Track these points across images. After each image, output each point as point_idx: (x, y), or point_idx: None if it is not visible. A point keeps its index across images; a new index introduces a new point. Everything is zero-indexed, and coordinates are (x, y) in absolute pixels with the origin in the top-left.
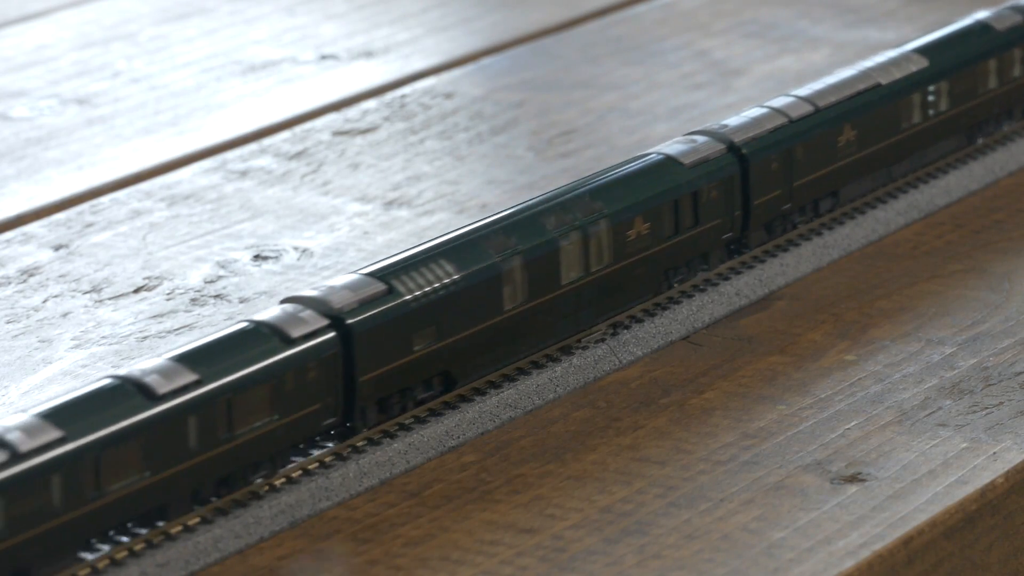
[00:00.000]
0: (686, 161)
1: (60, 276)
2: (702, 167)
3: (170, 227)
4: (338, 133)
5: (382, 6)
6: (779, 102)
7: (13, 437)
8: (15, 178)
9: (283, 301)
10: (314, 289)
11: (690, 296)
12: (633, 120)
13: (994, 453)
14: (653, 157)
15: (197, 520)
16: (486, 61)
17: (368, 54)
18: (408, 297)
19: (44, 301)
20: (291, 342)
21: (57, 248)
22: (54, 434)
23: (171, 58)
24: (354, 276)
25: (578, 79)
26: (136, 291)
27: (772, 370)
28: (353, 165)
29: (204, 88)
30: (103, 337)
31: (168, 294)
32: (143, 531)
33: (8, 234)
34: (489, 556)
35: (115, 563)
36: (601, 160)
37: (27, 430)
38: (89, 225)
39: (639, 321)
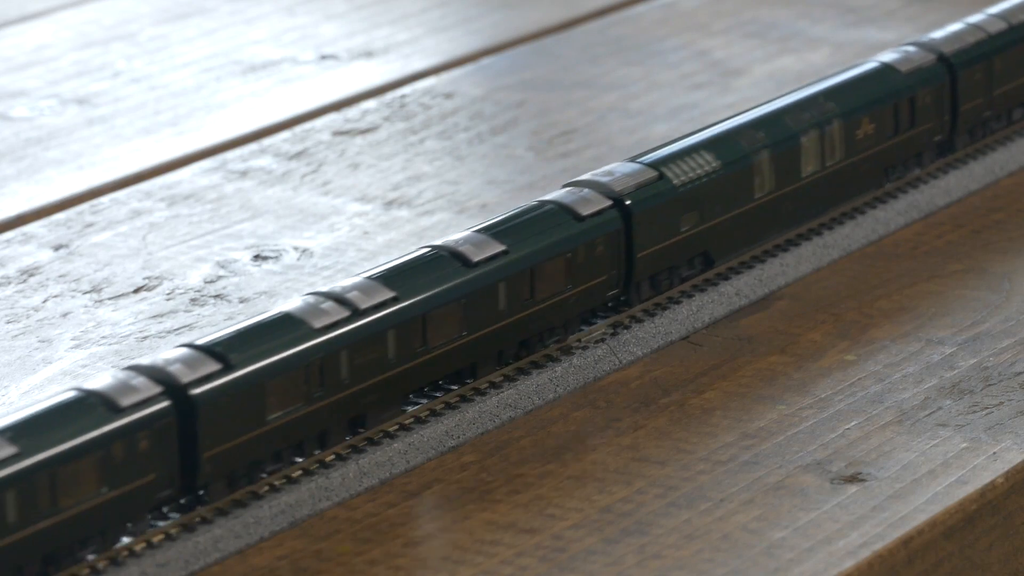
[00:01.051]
0: (903, 69)
1: (60, 276)
2: (917, 74)
3: (170, 227)
4: (338, 133)
5: (382, 6)
6: (976, 19)
7: (352, 296)
8: (15, 178)
9: (566, 185)
10: (595, 174)
11: (690, 296)
12: (633, 120)
13: (994, 453)
14: (873, 65)
15: (197, 520)
16: (486, 61)
17: (368, 54)
18: (677, 183)
19: (44, 301)
20: (581, 219)
21: (57, 248)
22: (388, 294)
23: (171, 58)
24: (630, 164)
25: (578, 79)
26: (136, 291)
27: (772, 370)
28: (353, 165)
29: (204, 88)
30: (103, 337)
31: (168, 294)
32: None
33: (8, 234)
34: (489, 556)
35: (115, 563)
36: (601, 160)
37: (364, 289)
38: (89, 225)
39: (639, 321)
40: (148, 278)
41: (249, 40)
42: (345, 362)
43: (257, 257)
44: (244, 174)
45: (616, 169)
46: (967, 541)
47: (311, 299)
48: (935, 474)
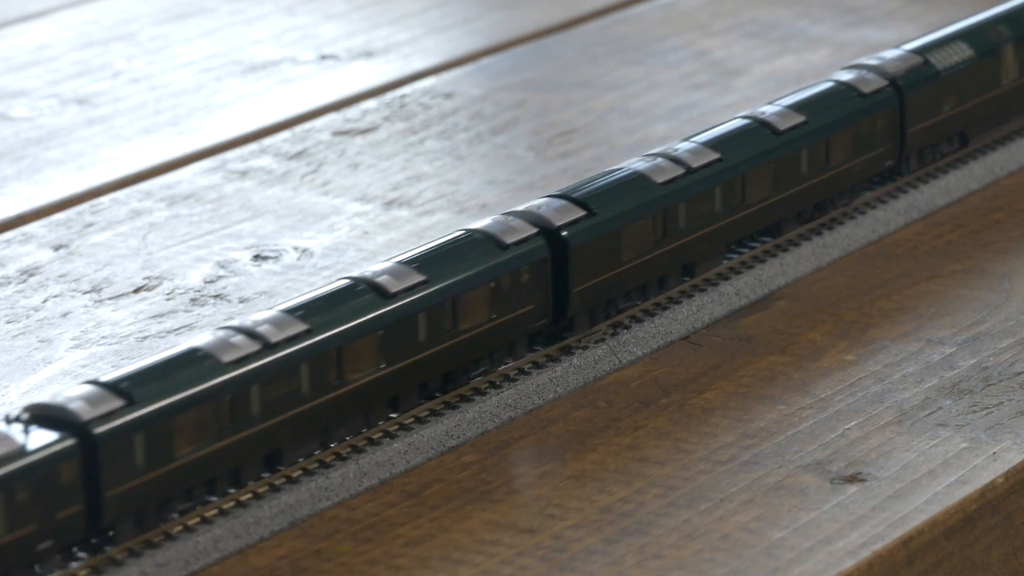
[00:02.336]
0: None
1: (60, 276)
2: None
3: (170, 227)
4: (338, 133)
5: (382, 6)
6: None
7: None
8: (15, 178)
9: (845, 67)
10: (869, 59)
11: (690, 296)
12: (633, 120)
13: (994, 453)
14: None
15: (197, 520)
16: (486, 61)
17: (368, 54)
18: (940, 68)
19: (44, 301)
20: (863, 96)
21: (57, 248)
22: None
23: (171, 58)
24: (899, 51)
25: (578, 79)
26: (136, 291)
27: (772, 370)
28: (353, 165)
29: (204, 88)
30: (103, 337)
31: (168, 294)
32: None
33: (8, 234)
34: (489, 556)
35: (115, 563)
36: (601, 160)
37: (276, 323)
38: (89, 225)
39: (639, 321)
40: (148, 278)
41: (249, 40)
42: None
43: (257, 257)
44: (244, 174)
45: (888, 54)
46: (967, 541)
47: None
48: (935, 474)
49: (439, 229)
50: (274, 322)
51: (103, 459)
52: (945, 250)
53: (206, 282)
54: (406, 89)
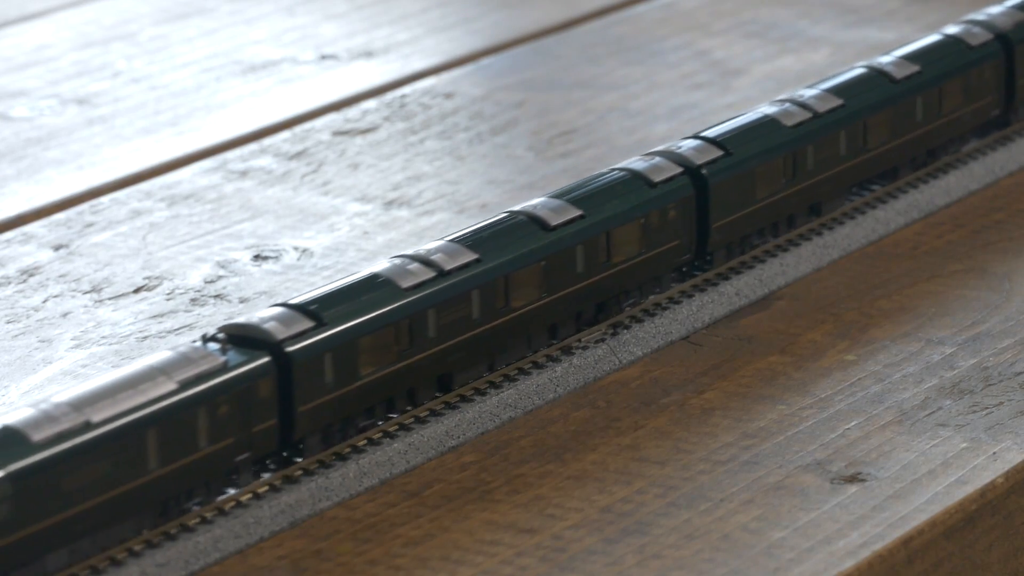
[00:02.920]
0: None
1: (60, 276)
2: None
3: (170, 227)
4: (338, 133)
5: (382, 6)
6: None
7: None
8: (15, 178)
9: (954, 23)
10: (977, 14)
11: (690, 296)
12: (633, 120)
13: (994, 453)
14: None
15: (197, 520)
16: (486, 61)
17: (368, 54)
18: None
19: (44, 301)
20: (972, 49)
21: (57, 248)
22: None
23: (171, 58)
24: (1006, 7)
25: (578, 79)
26: (136, 291)
27: (772, 370)
28: (353, 165)
29: (204, 88)
30: (103, 337)
31: (168, 294)
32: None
33: (8, 234)
34: (489, 556)
35: (115, 563)
36: (601, 160)
37: (448, 252)
38: (89, 225)
39: (639, 321)
40: (148, 278)
41: (249, 40)
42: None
43: (257, 257)
44: (244, 174)
45: (992, 9)
46: (967, 541)
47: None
48: (935, 474)
49: (439, 229)
50: (447, 251)
51: (296, 376)
52: (945, 250)
53: (206, 282)
54: (406, 89)
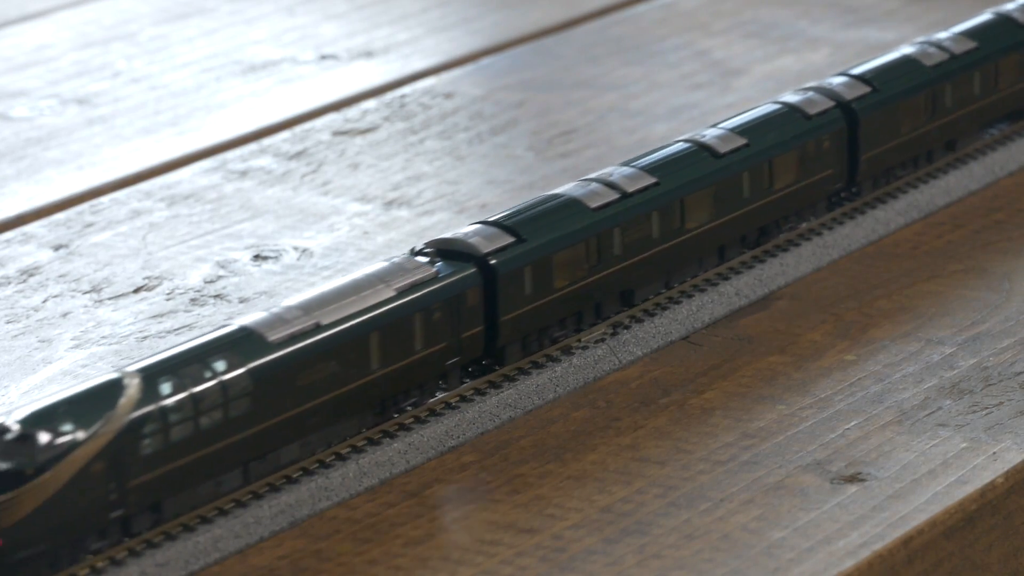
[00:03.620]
0: None
1: (60, 276)
2: None
3: (170, 227)
4: (338, 133)
5: (382, 6)
6: None
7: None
8: (15, 178)
9: None
10: None
11: (690, 296)
12: (633, 120)
13: (994, 453)
14: None
15: (197, 519)
16: (486, 61)
17: (368, 54)
18: None
19: (44, 301)
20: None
21: (57, 248)
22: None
23: (171, 58)
24: None
25: (578, 79)
26: (136, 291)
27: (772, 370)
28: (353, 165)
29: (204, 88)
30: (103, 337)
31: (168, 294)
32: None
33: (8, 234)
34: (489, 556)
35: (115, 562)
36: (601, 160)
37: (630, 176)
38: (89, 225)
39: (639, 321)
40: (148, 278)
41: (249, 40)
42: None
43: (257, 257)
44: (244, 174)
45: None
46: (967, 541)
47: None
48: (935, 474)
49: (439, 229)
50: (629, 175)
51: (500, 288)
52: (945, 250)
53: (206, 282)
54: (406, 89)
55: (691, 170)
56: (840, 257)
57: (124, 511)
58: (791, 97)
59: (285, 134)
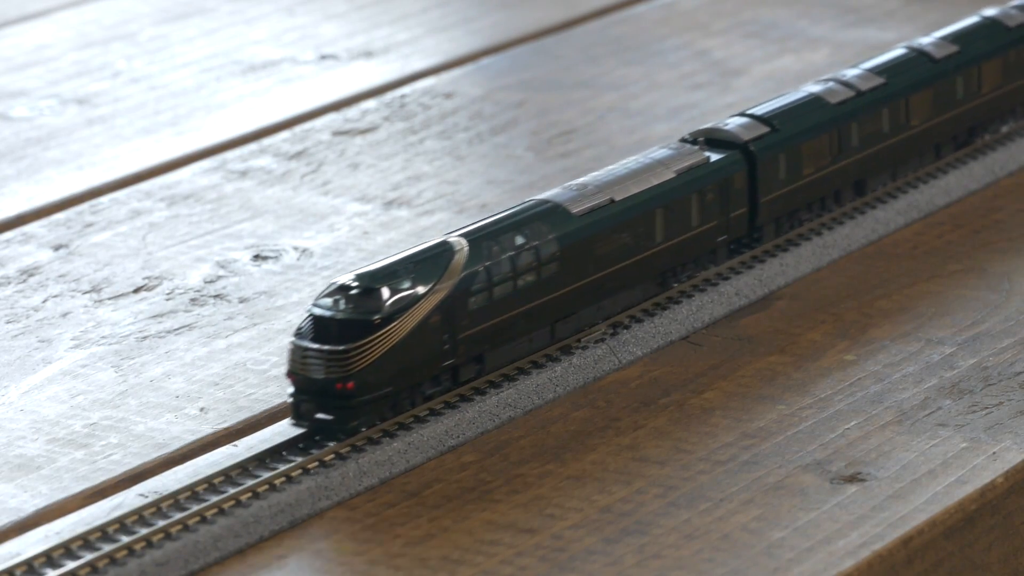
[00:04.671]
0: None
1: (60, 276)
2: None
3: (170, 227)
4: (338, 133)
5: (382, 6)
6: None
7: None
8: (15, 178)
9: None
10: None
11: (690, 296)
12: (633, 120)
13: (994, 453)
14: None
15: (196, 519)
16: (486, 61)
17: (368, 54)
18: None
19: (44, 301)
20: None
21: (57, 248)
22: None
23: (171, 58)
24: None
25: (578, 79)
26: (136, 291)
27: (772, 370)
28: (353, 165)
29: (204, 88)
30: (103, 337)
31: (168, 294)
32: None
33: (8, 234)
34: (489, 556)
35: (114, 562)
36: (601, 160)
37: (863, 77)
38: (89, 225)
39: (639, 321)
40: (148, 278)
41: (249, 40)
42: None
43: (257, 257)
44: (244, 174)
45: None
46: (967, 541)
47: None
48: (935, 474)
49: (439, 229)
50: (860, 76)
51: (760, 172)
52: (945, 250)
53: (206, 282)
54: (406, 89)
55: (913, 73)
56: (840, 257)
57: (454, 361)
58: (991, 10)
59: (285, 134)
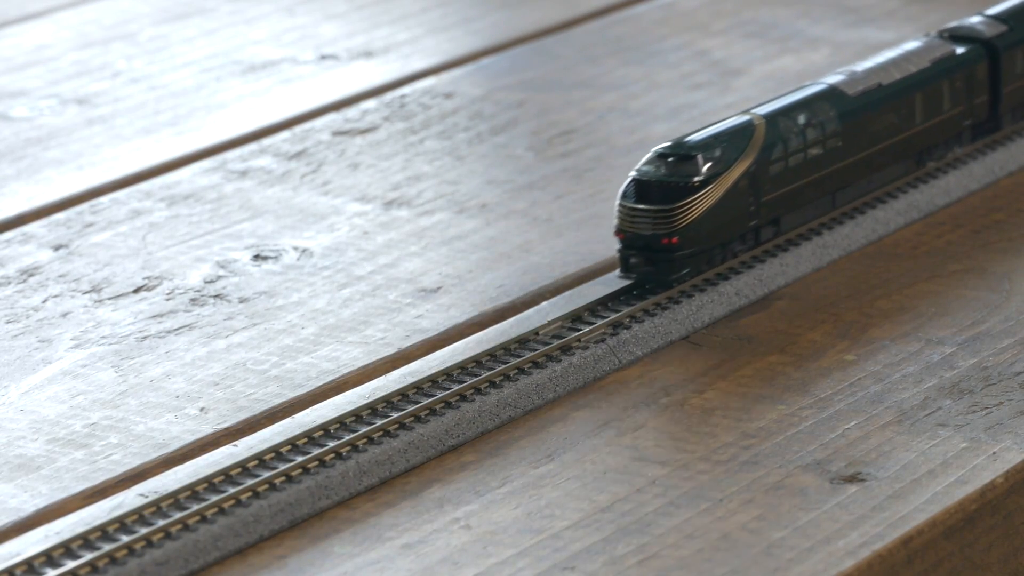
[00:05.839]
0: None
1: (60, 276)
2: None
3: (170, 227)
4: (338, 133)
5: (382, 6)
6: None
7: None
8: (15, 178)
9: None
10: None
11: (690, 296)
12: (633, 120)
13: (994, 453)
14: None
15: (196, 519)
16: (486, 61)
17: (368, 54)
18: None
19: (44, 301)
20: None
21: (57, 248)
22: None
23: (171, 58)
24: None
25: (578, 79)
26: (136, 291)
27: (772, 370)
28: (353, 165)
29: (204, 88)
30: (103, 337)
31: (168, 294)
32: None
33: (8, 234)
34: (489, 556)
35: (115, 561)
36: (601, 160)
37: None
38: (89, 225)
39: (639, 321)
40: (148, 278)
41: (249, 40)
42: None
43: (257, 257)
44: (244, 174)
45: None
46: (967, 541)
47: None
48: (935, 474)
49: (439, 229)
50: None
51: (1002, 64)
52: (945, 250)
53: (206, 282)
54: (406, 89)
55: None
56: (840, 257)
57: (756, 222)
58: None
59: (285, 134)
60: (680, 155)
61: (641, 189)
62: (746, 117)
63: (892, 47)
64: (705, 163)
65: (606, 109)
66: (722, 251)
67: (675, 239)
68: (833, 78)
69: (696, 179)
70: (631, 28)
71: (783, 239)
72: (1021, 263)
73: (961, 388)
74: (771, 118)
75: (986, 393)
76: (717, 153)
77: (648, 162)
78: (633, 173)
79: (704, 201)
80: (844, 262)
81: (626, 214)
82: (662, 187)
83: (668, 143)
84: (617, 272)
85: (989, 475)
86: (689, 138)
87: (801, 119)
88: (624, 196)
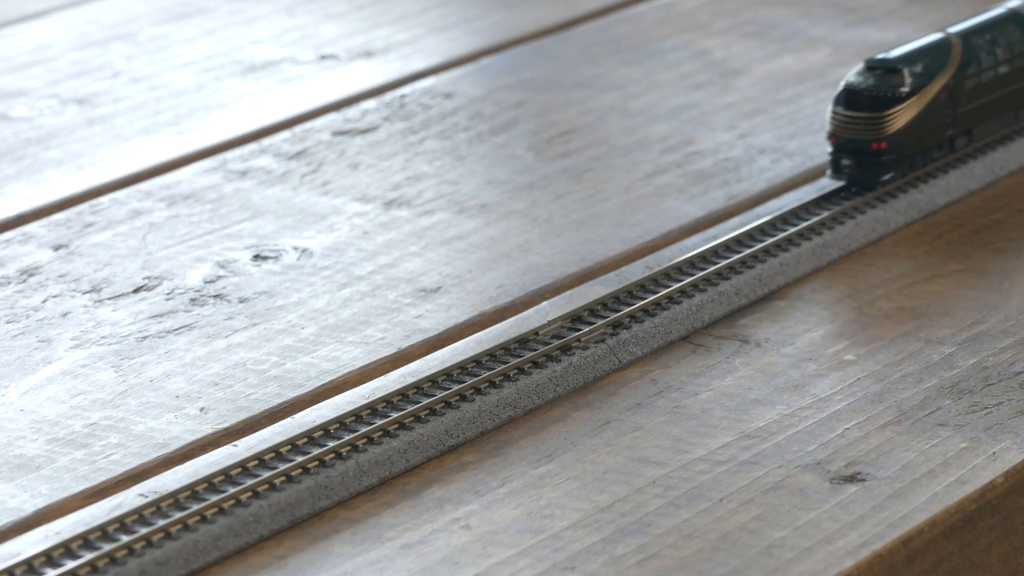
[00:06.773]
0: None
1: (60, 276)
2: None
3: (170, 227)
4: (338, 133)
5: (382, 6)
6: None
7: None
8: (15, 178)
9: None
10: None
11: (690, 296)
12: (633, 120)
13: (994, 453)
14: None
15: (196, 519)
16: (486, 61)
17: (368, 54)
18: None
19: (44, 301)
20: None
21: (57, 248)
22: None
23: (171, 58)
24: None
25: (578, 79)
26: (136, 291)
27: (772, 370)
28: (353, 165)
29: (204, 88)
30: (103, 337)
31: (168, 294)
32: None
33: (8, 234)
34: (488, 556)
35: (115, 561)
36: (601, 160)
37: None
38: (89, 225)
39: (639, 321)
40: (148, 278)
41: (249, 40)
42: None
43: (257, 257)
44: (244, 174)
45: None
46: (967, 541)
47: None
48: (935, 474)
49: (439, 229)
50: None
51: None
52: (945, 250)
53: (206, 282)
54: (406, 89)
55: None
56: (840, 257)
57: (952, 132)
58: None
59: (285, 134)
60: (887, 68)
61: (851, 97)
62: (943, 35)
63: None
64: (910, 76)
65: (606, 109)
66: (923, 157)
67: (883, 144)
68: (1015, 3)
69: (903, 90)
70: (631, 28)
71: (783, 239)
72: (1021, 263)
73: (961, 388)
74: (966, 37)
75: (986, 393)
76: (920, 68)
77: (859, 73)
78: (844, 82)
79: (910, 110)
80: (844, 262)
81: (840, 120)
82: (872, 96)
83: (877, 56)
84: (827, 174)
85: (989, 475)
86: (894, 53)
87: (991, 39)
88: (836, 103)
